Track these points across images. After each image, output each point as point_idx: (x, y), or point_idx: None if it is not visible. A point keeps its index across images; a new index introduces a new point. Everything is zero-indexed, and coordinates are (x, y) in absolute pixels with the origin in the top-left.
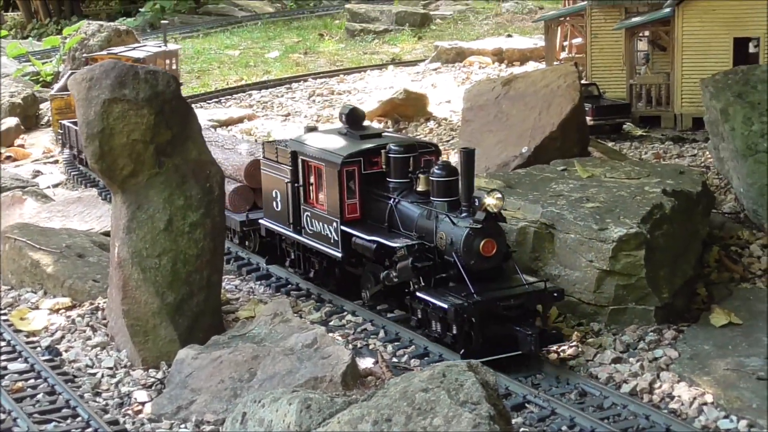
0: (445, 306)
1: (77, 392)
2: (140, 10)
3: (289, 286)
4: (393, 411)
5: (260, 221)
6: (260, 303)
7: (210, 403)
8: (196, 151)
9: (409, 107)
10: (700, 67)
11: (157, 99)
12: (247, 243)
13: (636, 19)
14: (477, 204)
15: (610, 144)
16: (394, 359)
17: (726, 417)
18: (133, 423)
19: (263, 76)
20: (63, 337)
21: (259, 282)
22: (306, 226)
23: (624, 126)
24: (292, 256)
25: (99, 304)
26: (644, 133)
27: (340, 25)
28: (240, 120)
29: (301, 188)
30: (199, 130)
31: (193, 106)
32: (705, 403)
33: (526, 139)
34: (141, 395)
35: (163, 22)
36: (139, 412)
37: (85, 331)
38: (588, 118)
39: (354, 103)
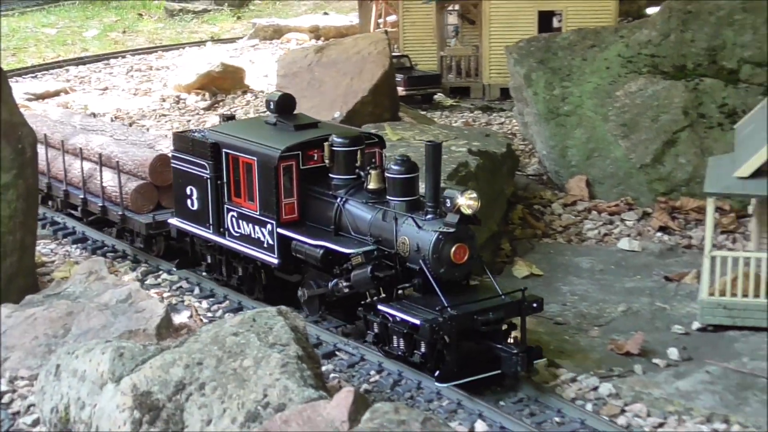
0: (418, 322)
1: None
2: None
3: (105, 248)
4: (204, 355)
5: (170, 221)
6: (76, 264)
7: (24, 359)
8: (7, 113)
9: (226, 80)
10: (506, 40)
11: None
12: (153, 247)
13: None
14: (448, 204)
15: (421, 113)
16: (209, 314)
17: None
18: None
19: (81, 53)
20: None
21: (75, 245)
22: (231, 227)
23: (435, 96)
24: (209, 260)
25: None
26: (454, 103)
27: (159, 5)
28: (56, 93)
29: (225, 185)
30: (9, 93)
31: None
32: None
33: (339, 104)
34: None
35: None
36: None
37: None
38: (400, 89)
39: (172, 77)
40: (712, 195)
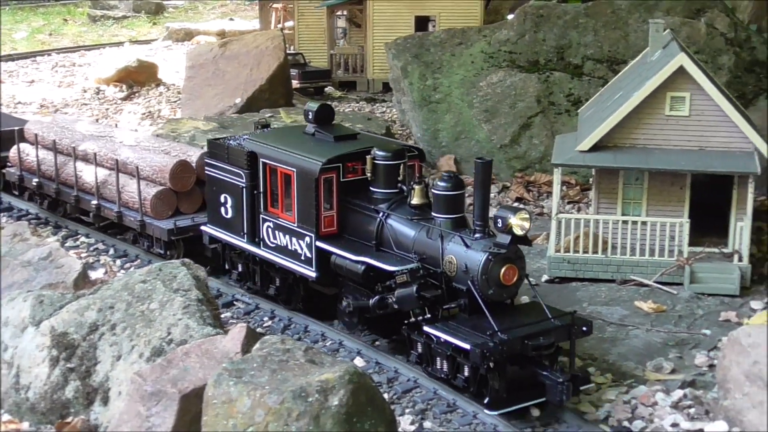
0: (468, 346)
1: None
2: None
3: (30, 215)
4: (116, 300)
5: (203, 228)
6: (1, 229)
7: None
8: None
9: (141, 74)
10: (388, 41)
11: None
12: (170, 252)
13: (334, 0)
14: (499, 224)
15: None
16: (122, 271)
17: None
18: None
19: (10, 51)
20: None
21: (2, 213)
22: (266, 238)
23: (326, 89)
24: (240, 269)
25: None
26: (342, 95)
27: (83, 12)
28: None
29: (261, 195)
30: None
31: None
32: None
33: (240, 92)
34: None
35: None
36: None
37: None
38: (295, 82)
39: (91, 72)
40: (558, 166)
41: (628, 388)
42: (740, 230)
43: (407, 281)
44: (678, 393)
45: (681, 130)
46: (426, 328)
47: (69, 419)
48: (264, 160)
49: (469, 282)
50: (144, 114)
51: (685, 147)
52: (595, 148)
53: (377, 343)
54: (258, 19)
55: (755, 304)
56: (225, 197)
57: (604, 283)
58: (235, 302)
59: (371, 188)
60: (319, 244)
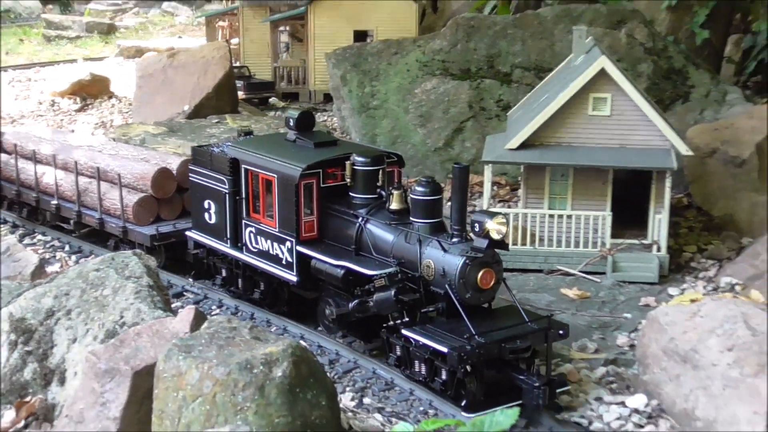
0: (445, 350)
1: None
2: None
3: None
4: (71, 287)
5: (188, 233)
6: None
7: None
8: None
9: (94, 87)
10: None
11: None
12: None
13: (278, 15)
14: (477, 229)
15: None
16: (77, 265)
17: None
18: None
19: None
20: None
21: None
22: (248, 242)
23: (270, 100)
24: (224, 274)
25: None
26: (285, 105)
27: (38, 32)
28: None
29: (243, 201)
30: None
31: None
32: None
33: (188, 99)
34: None
35: None
36: None
37: None
38: (241, 93)
39: (46, 86)
40: (488, 163)
41: (555, 366)
42: (658, 223)
43: (386, 285)
44: (601, 370)
45: (603, 129)
46: (404, 332)
47: (27, 399)
48: (246, 166)
49: (446, 286)
50: (97, 123)
51: (607, 145)
52: (522, 146)
53: (319, 328)
54: (205, 38)
55: (672, 291)
56: (209, 203)
57: (533, 273)
58: (184, 293)
59: (351, 194)
60: (299, 248)
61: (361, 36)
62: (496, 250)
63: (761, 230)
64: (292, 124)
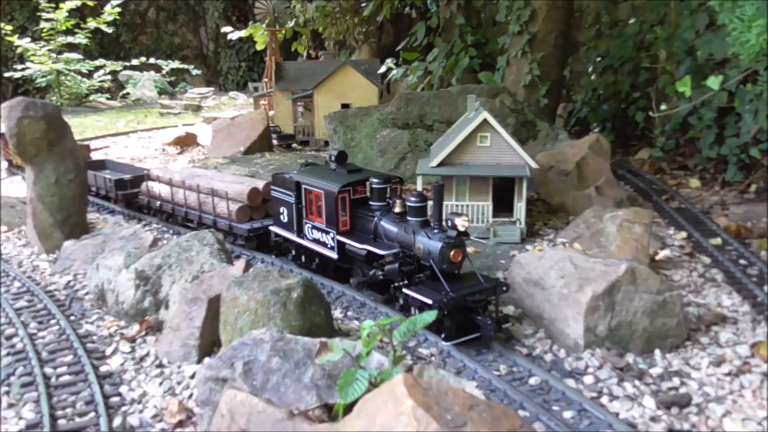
0: (430, 301)
1: (10, 267)
2: None
3: (122, 213)
4: (171, 251)
5: (270, 227)
6: (106, 222)
7: (81, 265)
8: (70, 144)
9: (188, 139)
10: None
11: (47, 116)
12: (249, 244)
13: (296, 95)
14: (449, 224)
15: (284, 150)
16: (175, 238)
17: None
18: (41, 275)
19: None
20: (0, 244)
21: (107, 213)
22: (307, 233)
23: (292, 145)
24: (293, 253)
25: (22, 228)
26: (301, 148)
27: (155, 111)
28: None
29: (303, 207)
30: (70, 133)
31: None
32: None
33: (242, 144)
34: (44, 265)
35: None
36: (44, 271)
37: (15, 240)
38: (274, 141)
39: (157, 139)
40: (420, 175)
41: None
42: (520, 208)
43: (392, 260)
44: None
45: (486, 154)
46: (404, 290)
47: (147, 318)
48: (304, 186)
49: (431, 260)
50: (189, 160)
51: (488, 163)
52: (440, 164)
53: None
54: (253, 109)
55: (528, 247)
56: (282, 209)
57: None
58: (240, 256)
59: (370, 202)
60: (338, 237)
61: (345, 105)
62: (462, 237)
63: (579, 211)
64: (333, 158)
